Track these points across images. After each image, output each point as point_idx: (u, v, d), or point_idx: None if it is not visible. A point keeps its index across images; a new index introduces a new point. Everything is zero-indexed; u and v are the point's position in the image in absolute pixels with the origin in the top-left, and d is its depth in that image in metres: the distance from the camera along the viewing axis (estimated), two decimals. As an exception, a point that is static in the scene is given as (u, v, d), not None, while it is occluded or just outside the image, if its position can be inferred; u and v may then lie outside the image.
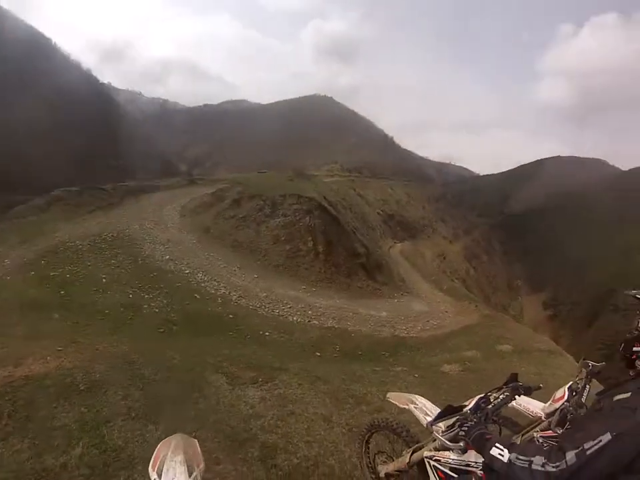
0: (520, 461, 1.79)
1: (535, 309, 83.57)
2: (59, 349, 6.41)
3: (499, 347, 12.67)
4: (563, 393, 3.49)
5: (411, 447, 3.19)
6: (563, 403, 3.35)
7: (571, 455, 1.66)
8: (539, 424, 3.65)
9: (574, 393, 3.33)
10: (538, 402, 3.93)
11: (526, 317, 77.73)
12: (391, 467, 3.43)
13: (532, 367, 10.23)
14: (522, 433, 3.74)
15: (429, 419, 2.87)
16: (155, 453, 2.29)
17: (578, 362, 3.75)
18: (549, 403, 3.66)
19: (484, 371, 9.45)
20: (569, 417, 3.11)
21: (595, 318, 66.49)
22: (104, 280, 13.94)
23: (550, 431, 3.28)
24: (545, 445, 3.08)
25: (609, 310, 65.24)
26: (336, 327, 15.96)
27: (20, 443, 3.97)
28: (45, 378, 5.15)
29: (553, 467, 1.68)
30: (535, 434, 3.41)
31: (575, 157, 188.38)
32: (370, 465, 3.91)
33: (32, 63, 60.15)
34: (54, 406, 4.64)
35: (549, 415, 3.53)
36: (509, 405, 3.81)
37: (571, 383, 3.50)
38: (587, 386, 3.19)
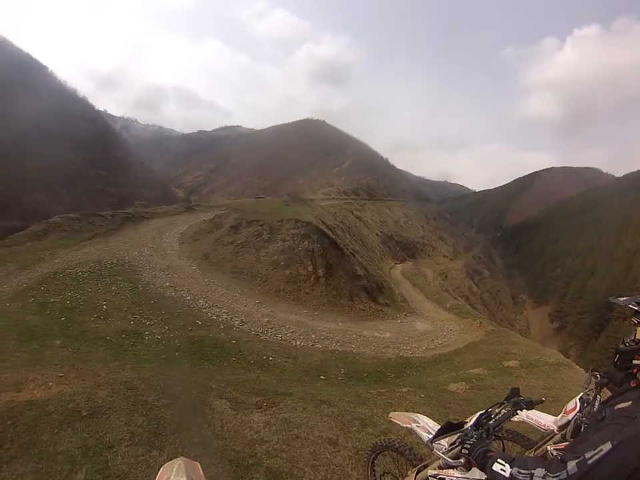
0: (522, 475, 1.80)
1: (541, 322, 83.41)
2: (61, 375, 6.35)
3: (506, 362, 12.52)
4: (574, 404, 3.47)
5: (415, 467, 3.15)
6: (576, 414, 3.32)
7: (572, 465, 1.67)
8: (551, 437, 3.62)
9: (585, 404, 3.30)
10: (549, 415, 3.90)
11: (532, 330, 77.57)
12: None
13: (540, 381, 10.11)
14: (534, 448, 3.69)
15: (431, 437, 2.84)
16: (157, 476, 2.27)
17: (587, 373, 3.73)
18: (560, 415, 3.64)
19: (491, 388, 9.33)
20: (582, 427, 3.07)
21: (602, 327, 66.29)
22: (104, 307, 13.87)
23: (564, 444, 3.24)
24: None
25: (616, 317, 65.10)
26: (340, 349, 15.83)
27: (23, 467, 3.95)
28: (48, 403, 5.10)
29: (554, 477, 1.69)
30: (548, 447, 3.37)
31: (569, 167, 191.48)
32: None
33: (27, 90, 60.89)
34: (57, 431, 4.60)
35: (561, 428, 3.50)
36: (516, 419, 3.77)
37: (582, 394, 3.48)
38: (598, 396, 3.15)
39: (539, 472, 1.74)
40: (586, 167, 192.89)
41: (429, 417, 3.49)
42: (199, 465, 2.39)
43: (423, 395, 8.39)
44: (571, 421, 3.40)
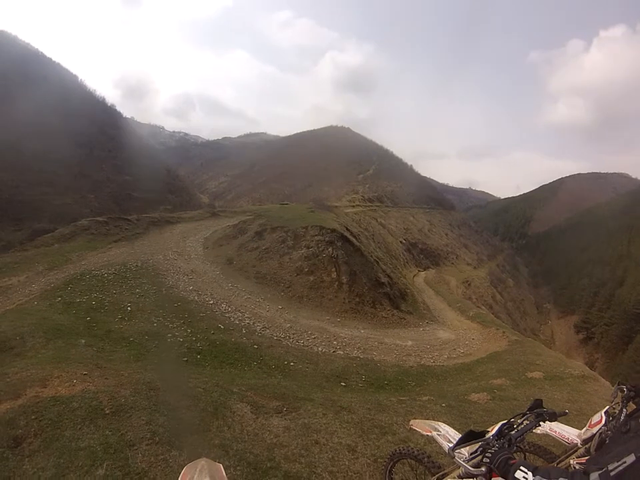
0: None
1: (566, 332, 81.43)
2: (85, 373, 6.47)
3: (529, 373, 12.28)
4: (599, 417, 3.39)
5: (434, 475, 3.11)
6: (601, 428, 3.23)
7: (594, 477, 1.62)
8: (575, 451, 3.53)
9: (611, 418, 3.21)
10: (573, 429, 3.82)
11: (557, 341, 75.83)
12: None
13: (565, 393, 9.89)
14: (557, 461, 3.61)
15: (452, 445, 2.79)
16: (180, 476, 2.28)
17: (613, 387, 3.65)
18: (584, 429, 3.56)
19: (514, 399, 9.16)
20: (607, 441, 2.99)
21: (630, 339, 64.09)
22: (129, 308, 14.09)
23: (587, 458, 3.16)
24: None
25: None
26: (361, 357, 15.74)
27: (45, 461, 4.03)
28: (72, 400, 5.21)
29: None
30: (571, 461, 3.28)
31: (596, 172, 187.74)
32: None
33: (57, 98, 62.50)
34: (79, 427, 4.69)
35: (585, 441, 3.42)
36: (540, 432, 3.69)
37: (607, 407, 3.40)
38: (624, 410, 3.07)
39: None
40: (614, 173, 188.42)
41: (450, 426, 3.44)
42: (221, 466, 2.40)
43: (444, 404, 8.28)
44: (595, 434, 3.31)
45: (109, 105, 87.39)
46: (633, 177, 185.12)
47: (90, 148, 62.94)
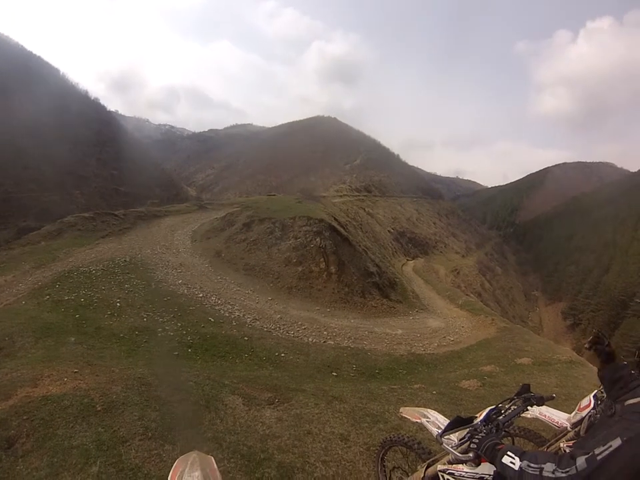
0: (531, 468, 1.78)
1: (554, 319, 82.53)
2: (75, 371, 6.44)
3: (518, 360, 12.46)
4: (588, 401, 3.45)
5: (425, 461, 3.15)
6: (590, 411, 3.30)
7: (581, 461, 1.65)
8: (564, 435, 3.59)
9: (599, 402, 3.28)
10: (562, 413, 3.88)
11: (545, 327, 76.81)
12: None
13: (553, 378, 10.07)
14: (547, 445, 3.67)
15: (440, 431, 2.83)
16: (172, 469, 2.29)
17: None
18: (574, 412, 3.62)
19: (503, 385, 9.31)
20: (596, 424, 3.05)
21: (617, 325, 65.31)
22: (118, 304, 14.01)
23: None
24: None
25: (630, 315, 64.19)
26: (352, 346, 15.81)
27: (38, 460, 4.02)
28: (63, 398, 5.18)
29: (563, 472, 1.67)
30: (561, 445, 3.34)
31: (582, 162, 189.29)
32: None
33: (41, 93, 61.51)
34: (71, 425, 4.68)
35: (575, 425, 3.48)
36: (530, 416, 3.75)
37: (596, 391, 3.46)
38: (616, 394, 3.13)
39: (549, 467, 1.72)
40: (599, 162, 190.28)
41: (440, 413, 3.49)
42: (212, 459, 2.41)
43: (434, 392, 8.38)
44: (584, 418, 3.38)
45: (92, 98, 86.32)
46: (619, 166, 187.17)
47: (74, 143, 62.10)
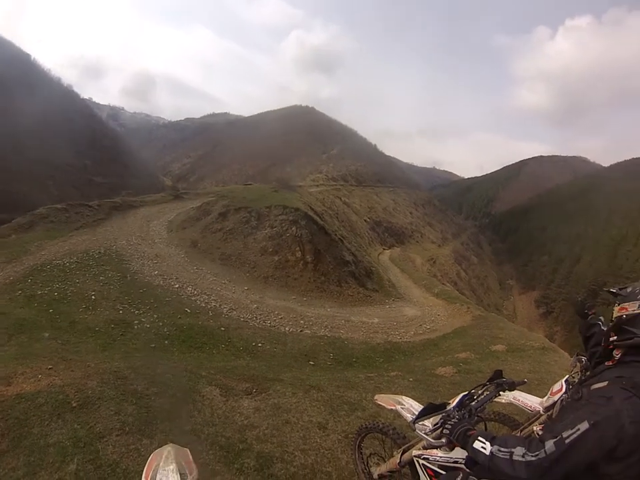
0: (501, 453, 1.83)
1: (527, 307, 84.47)
2: (50, 367, 6.33)
3: (493, 347, 12.71)
4: (560, 386, 3.58)
5: (401, 447, 3.22)
6: (562, 396, 3.42)
7: (550, 444, 1.71)
8: (537, 418, 3.72)
9: (571, 386, 3.39)
10: (535, 397, 4.01)
11: (519, 315, 78.53)
12: (383, 468, 3.46)
13: (526, 364, 10.33)
14: (521, 428, 3.80)
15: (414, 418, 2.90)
16: (147, 463, 2.30)
17: (572, 357, 3.85)
18: (546, 397, 3.74)
19: (479, 372, 9.50)
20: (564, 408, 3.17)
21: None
22: (93, 297, 13.80)
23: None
24: None
25: (600, 303, 66.05)
26: (328, 335, 15.90)
27: (15, 460, 3.96)
28: (37, 396, 5.09)
29: (533, 456, 1.72)
30: (534, 428, 3.46)
31: (557, 155, 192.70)
32: (365, 469, 3.95)
33: (10, 79, 59.70)
34: (47, 423, 4.61)
35: (547, 409, 3.61)
36: (504, 401, 3.87)
37: (567, 376, 3.58)
38: (583, 378, 3.25)
39: (519, 450, 1.77)
40: (574, 156, 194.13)
41: (417, 400, 3.55)
42: (188, 451, 2.43)
43: (411, 379, 8.51)
44: (556, 402, 3.51)
45: (65, 85, 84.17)
46: (592, 160, 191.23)
47: (45, 132, 60.39)
